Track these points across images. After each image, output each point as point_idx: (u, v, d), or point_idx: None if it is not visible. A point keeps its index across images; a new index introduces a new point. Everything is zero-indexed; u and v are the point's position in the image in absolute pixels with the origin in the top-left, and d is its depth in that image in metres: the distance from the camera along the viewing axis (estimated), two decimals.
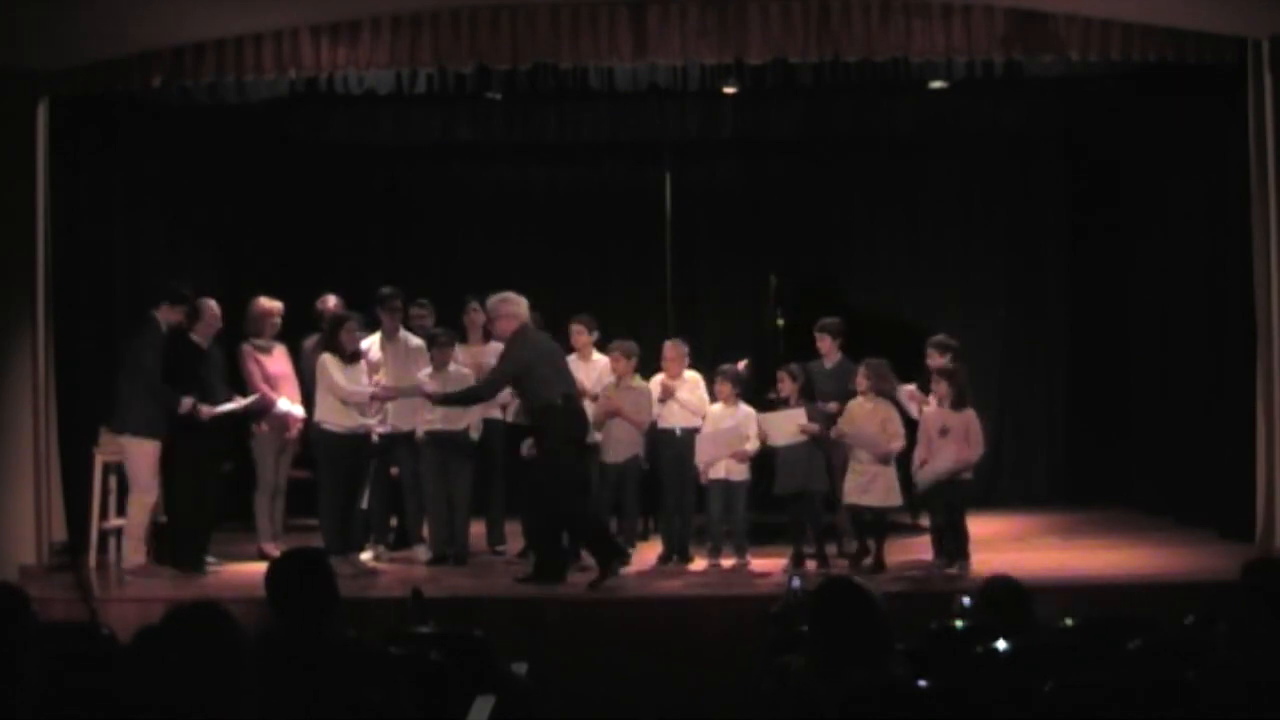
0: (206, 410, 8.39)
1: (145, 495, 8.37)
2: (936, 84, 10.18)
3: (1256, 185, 8.55)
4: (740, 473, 8.46)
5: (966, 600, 5.37)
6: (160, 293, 8.59)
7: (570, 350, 8.94)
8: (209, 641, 3.26)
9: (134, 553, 8.38)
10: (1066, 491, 11.56)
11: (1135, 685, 3.98)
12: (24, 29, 7.98)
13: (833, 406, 8.48)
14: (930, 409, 8.21)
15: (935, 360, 8.29)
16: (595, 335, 8.97)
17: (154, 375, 8.31)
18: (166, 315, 8.48)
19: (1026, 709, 3.94)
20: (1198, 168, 9.73)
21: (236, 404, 8.62)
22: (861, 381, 8.26)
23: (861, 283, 11.53)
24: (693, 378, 8.78)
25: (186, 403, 8.32)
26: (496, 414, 8.92)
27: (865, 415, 8.23)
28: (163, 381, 8.34)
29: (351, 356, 8.45)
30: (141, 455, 8.36)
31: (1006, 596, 5.01)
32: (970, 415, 8.10)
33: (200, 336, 8.58)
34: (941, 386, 8.12)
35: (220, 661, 3.24)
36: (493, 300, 8.28)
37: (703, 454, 8.48)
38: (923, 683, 3.92)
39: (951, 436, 8.04)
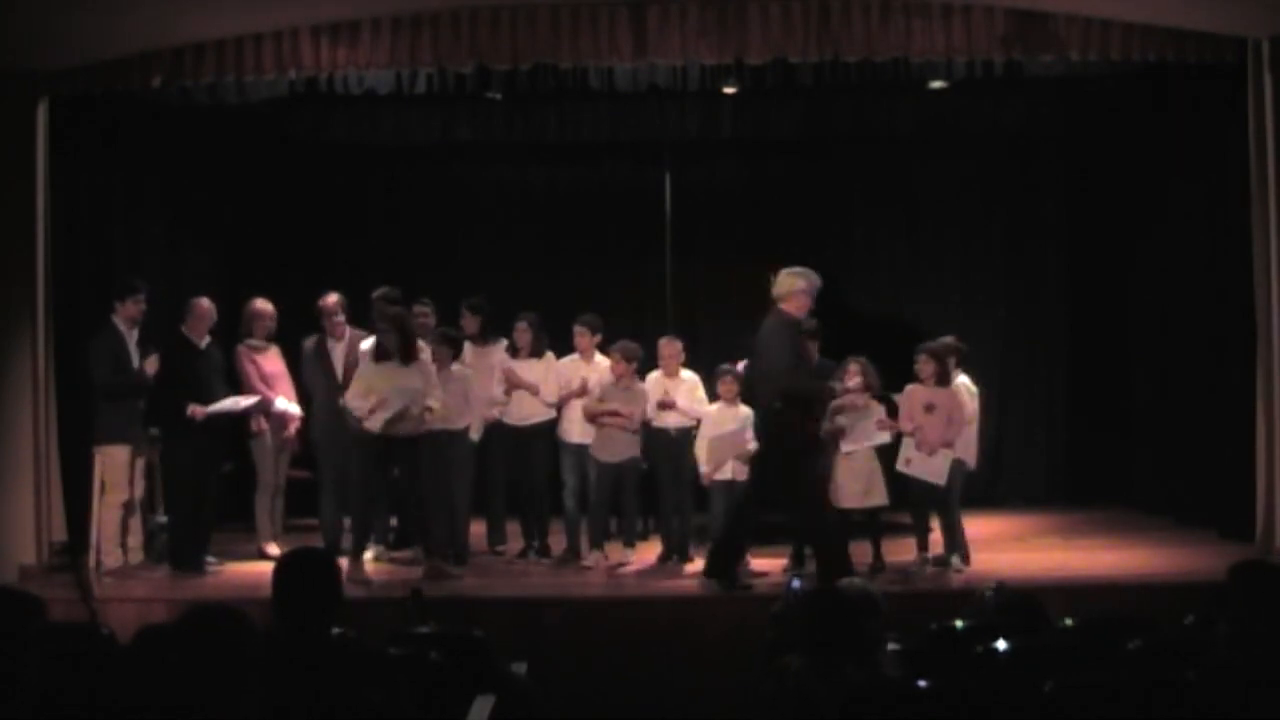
0: (199, 410, 8.39)
1: (114, 495, 8.40)
2: (936, 84, 10.18)
3: (1256, 185, 8.55)
4: (744, 473, 8.46)
5: (990, 593, 5.36)
6: (114, 290, 8.57)
7: (572, 351, 8.96)
8: (223, 644, 3.27)
9: (108, 555, 8.41)
10: (1066, 491, 11.56)
11: (1135, 685, 3.98)
12: (24, 29, 7.98)
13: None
14: (915, 386, 8.24)
15: (925, 368, 8.27)
16: (598, 337, 8.96)
17: (103, 387, 8.34)
18: (127, 312, 8.46)
19: (1026, 709, 3.94)
20: (1198, 168, 9.73)
21: (232, 403, 8.60)
22: (856, 379, 8.26)
23: (861, 283, 11.54)
24: (691, 378, 8.78)
25: (198, 410, 8.37)
26: (496, 414, 8.93)
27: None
28: (160, 380, 8.37)
29: (403, 356, 8.24)
30: (111, 460, 8.39)
31: (1022, 609, 5.01)
32: (954, 391, 8.14)
33: (195, 335, 8.58)
34: (929, 366, 8.17)
35: (231, 664, 3.25)
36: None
37: (712, 457, 8.46)
38: (923, 683, 3.93)
39: (937, 413, 8.09)
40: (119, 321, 8.45)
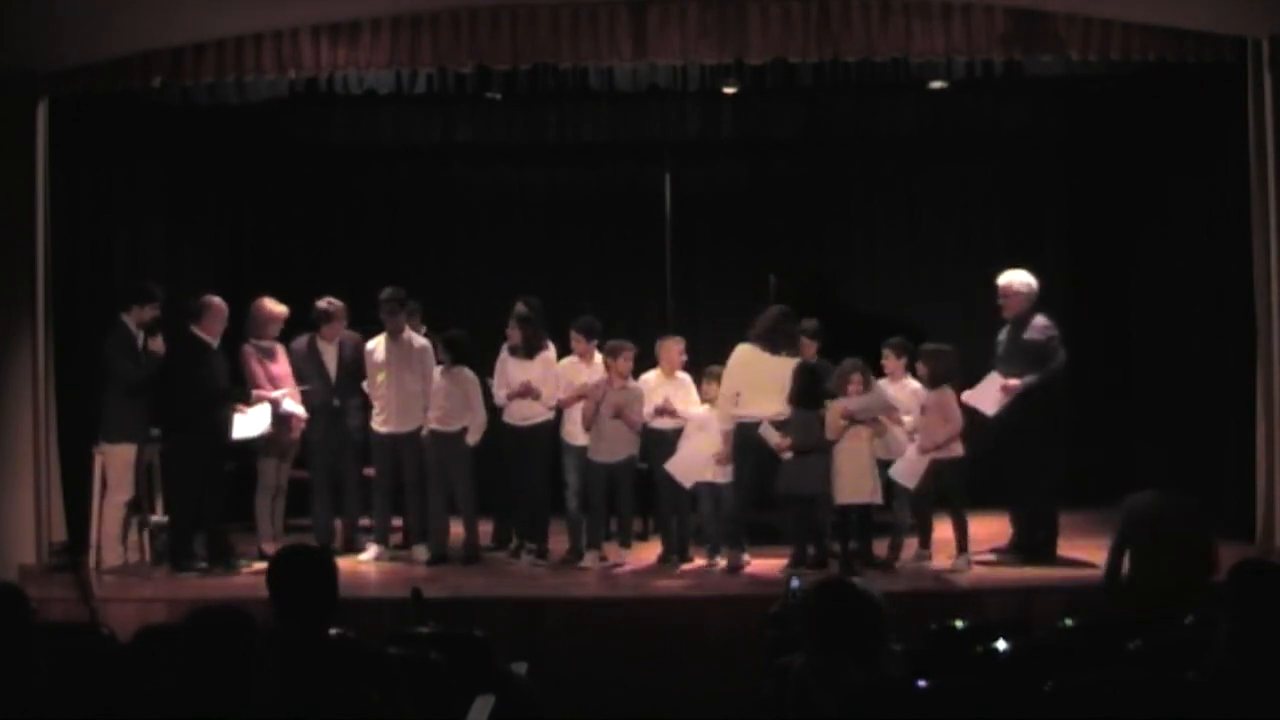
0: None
1: (117, 495, 8.42)
2: (936, 84, 10.19)
3: (1256, 185, 8.55)
4: (724, 474, 8.45)
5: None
6: (128, 295, 8.58)
7: (570, 353, 8.95)
8: (230, 645, 3.28)
9: (109, 552, 8.41)
10: (1067, 492, 11.51)
11: (1135, 685, 3.98)
12: (24, 29, 7.98)
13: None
14: (914, 387, 8.41)
15: (891, 363, 8.52)
16: (595, 341, 8.92)
17: (125, 380, 8.34)
18: (138, 316, 8.47)
19: (1026, 709, 3.94)
20: (1198, 168, 9.73)
21: (263, 425, 8.70)
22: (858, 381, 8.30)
23: (861, 283, 11.51)
24: (686, 380, 8.76)
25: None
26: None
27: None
28: (165, 380, 8.37)
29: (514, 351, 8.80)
30: (117, 458, 8.40)
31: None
32: (945, 392, 8.20)
33: (208, 334, 8.58)
34: (922, 368, 8.32)
35: (237, 665, 3.26)
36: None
37: (684, 475, 8.51)
38: (923, 683, 3.93)
39: (929, 414, 8.17)
40: (129, 321, 8.46)
